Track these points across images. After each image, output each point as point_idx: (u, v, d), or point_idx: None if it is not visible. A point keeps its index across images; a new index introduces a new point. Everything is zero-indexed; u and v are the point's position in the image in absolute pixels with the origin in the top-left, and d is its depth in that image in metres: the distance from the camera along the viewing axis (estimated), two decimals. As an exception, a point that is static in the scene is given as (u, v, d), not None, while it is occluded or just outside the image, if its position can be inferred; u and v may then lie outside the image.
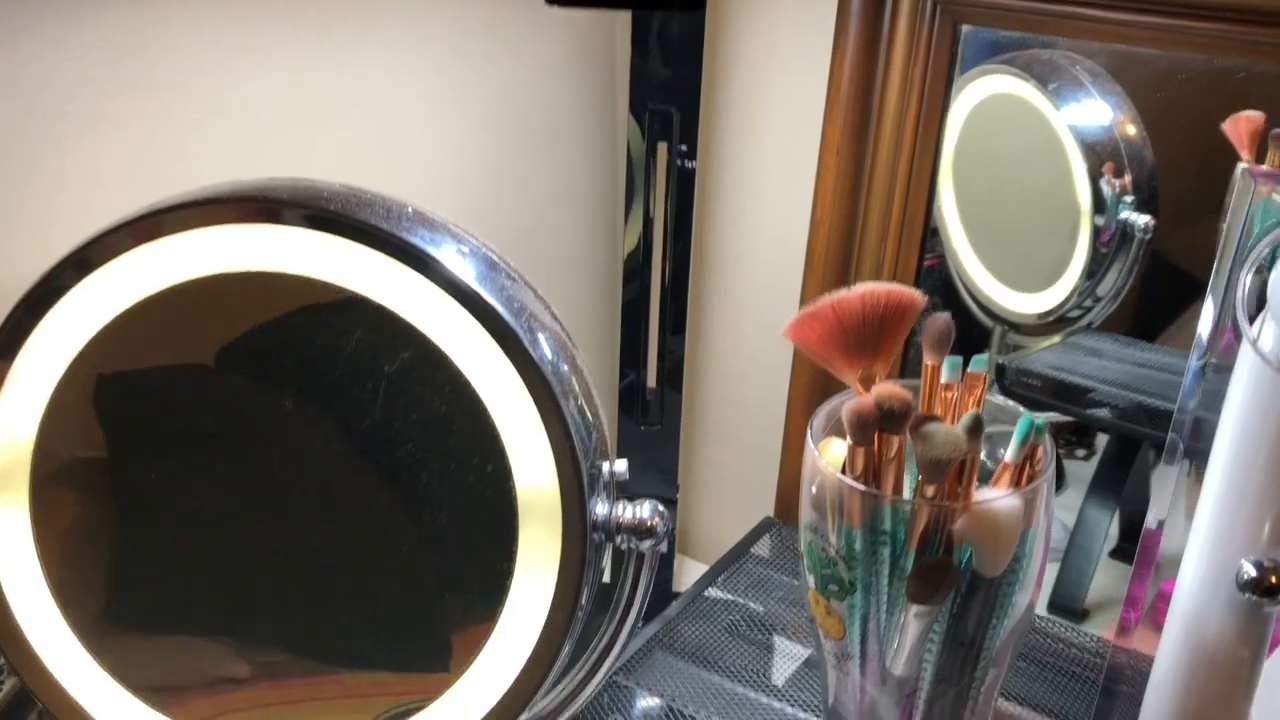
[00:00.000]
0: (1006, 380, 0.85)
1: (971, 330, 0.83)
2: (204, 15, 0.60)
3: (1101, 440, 0.82)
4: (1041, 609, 0.75)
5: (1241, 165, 0.54)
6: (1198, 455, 0.45)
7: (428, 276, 0.45)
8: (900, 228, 0.79)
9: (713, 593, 0.68)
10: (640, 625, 0.69)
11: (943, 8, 0.74)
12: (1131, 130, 0.75)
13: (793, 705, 0.58)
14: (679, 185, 0.74)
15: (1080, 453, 0.83)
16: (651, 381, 0.80)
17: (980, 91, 0.80)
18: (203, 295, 0.45)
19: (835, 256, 0.80)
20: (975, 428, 0.39)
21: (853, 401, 0.40)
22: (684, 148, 0.74)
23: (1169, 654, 0.44)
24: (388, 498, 0.47)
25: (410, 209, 0.47)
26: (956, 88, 0.80)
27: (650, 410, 0.81)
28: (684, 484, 0.87)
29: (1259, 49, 0.65)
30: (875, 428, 0.40)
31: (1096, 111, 0.76)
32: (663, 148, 0.74)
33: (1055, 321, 0.81)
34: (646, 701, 0.59)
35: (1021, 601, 0.44)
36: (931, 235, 0.83)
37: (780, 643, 0.64)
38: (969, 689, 0.45)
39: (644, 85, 0.72)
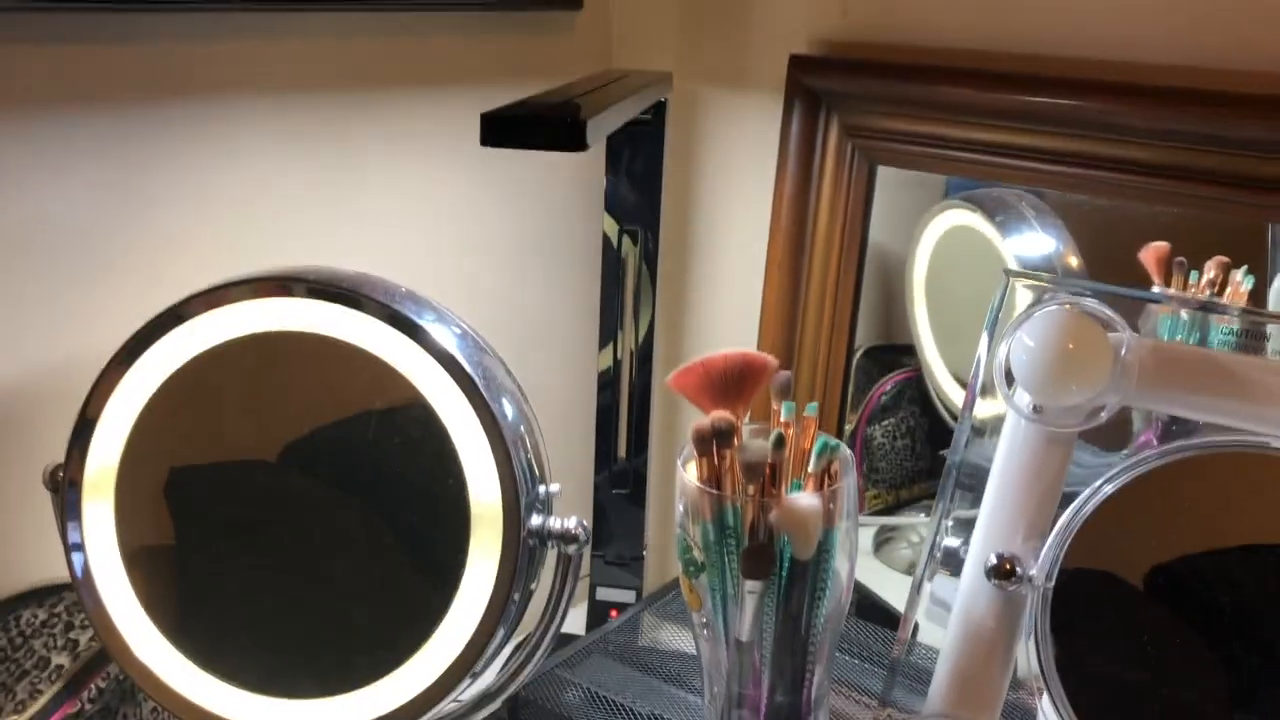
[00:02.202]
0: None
1: (944, 433, 0.96)
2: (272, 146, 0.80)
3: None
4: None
5: (1004, 268, 0.69)
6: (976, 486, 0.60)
7: (413, 339, 0.62)
8: (831, 328, 0.94)
9: (649, 615, 0.82)
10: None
11: (860, 152, 0.90)
12: (1073, 261, 0.86)
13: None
14: (647, 298, 0.92)
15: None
16: (622, 452, 0.96)
17: (945, 223, 0.94)
18: (249, 350, 0.63)
19: (780, 354, 0.95)
20: (779, 442, 0.55)
21: (695, 423, 0.56)
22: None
23: (952, 630, 0.58)
24: (375, 504, 0.63)
25: (403, 289, 0.64)
26: (925, 219, 0.95)
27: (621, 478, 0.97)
28: (653, 543, 1.02)
29: (1130, 192, 0.76)
30: (711, 441, 0.56)
31: (1039, 242, 0.86)
32: (632, 255, 0.92)
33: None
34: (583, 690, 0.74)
35: (839, 586, 0.58)
36: (909, 352, 0.97)
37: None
38: (804, 661, 0.59)
39: (616, 205, 0.90)
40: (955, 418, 0.92)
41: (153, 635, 0.65)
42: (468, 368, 0.62)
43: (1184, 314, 0.70)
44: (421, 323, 0.62)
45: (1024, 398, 0.57)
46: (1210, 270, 0.76)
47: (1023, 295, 0.64)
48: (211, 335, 0.63)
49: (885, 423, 0.96)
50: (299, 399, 0.64)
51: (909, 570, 0.94)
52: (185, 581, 0.65)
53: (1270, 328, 0.62)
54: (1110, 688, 0.55)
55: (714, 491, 0.56)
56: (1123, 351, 0.55)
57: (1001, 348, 0.58)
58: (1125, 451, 0.68)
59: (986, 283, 0.92)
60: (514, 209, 0.99)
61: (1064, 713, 0.54)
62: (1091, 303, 0.57)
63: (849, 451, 0.58)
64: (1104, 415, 0.56)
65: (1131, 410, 0.61)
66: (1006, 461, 0.58)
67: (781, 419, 0.59)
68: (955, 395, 0.94)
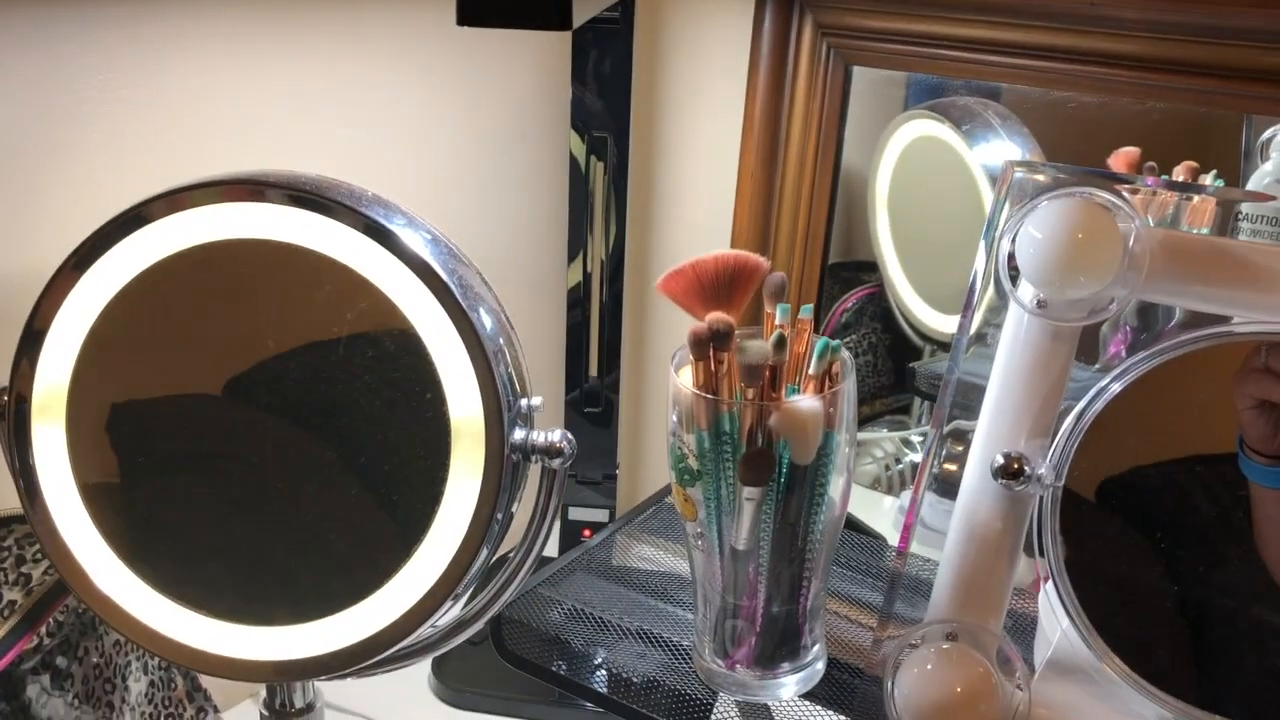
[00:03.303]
0: (916, 381, 0.97)
1: (906, 349, 0.96)
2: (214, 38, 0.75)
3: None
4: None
5: (1005, 159, 0.67)
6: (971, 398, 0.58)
7: (385, 245, 0.59)
8: (805, 240, 0.92)
9: (622, 535, 0.80)
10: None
11: (835, 51, 0.87)
12: None
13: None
14: (616, 209, 0.88)
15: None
16: (593, 370, 0.94)
17: (908, 135, 0.92)
18: (208, 258, 0.59)
19: (753, 265, 0.93)
20: (780, 343, 0.53)
21: (692, 326, 0.53)
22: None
23: (954, 535, 0.57)
24: (350, 419, 0.60)
25: (370, 193, 0.60)
26: (888, 130, 0.92)
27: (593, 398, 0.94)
28: (625, 462, 1.00)
29: (1119, 87, 0.75)
30: (709, 344, 0.53)
31: (1006, 150, 0.85)
32: (600, 170, 0.88)
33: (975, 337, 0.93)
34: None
35: (836, 494, 0.56)
36: (870, 268, 0.96)
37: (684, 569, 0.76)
38: (801, 570, 0.58)
39: (583, 112, 0.86)
40: (919, 333, 0.92)
41: (113, 564, 0.61)
42: (443, 275, 0.58)
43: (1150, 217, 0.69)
44: (392, 227, 0.59)
45: (1028, 292, 0.55)
46: (1180, 175, 0.75)
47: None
48: (172, 241, 0.58)
49: (847, 339, 0.95)
50: (265, 313, 0.60)
51: (874, 485, 0.94)
52: (147, 509, 0.62)
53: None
54: (1119, 589, 0.54)
55: (711, 397, 0.54)
56: (1131, 242, 0.53)
57: (1004, 241, 0.55)
58: (1096, 366, 0.68)
59: (953, 195, 0.91)
60: (475, 115, 0.94)
61: (1074, 614, 0.53)
62: (1101, 192, 0.54)
63: (849, 353, 0.55)
64: (1111, 308, 0.54)
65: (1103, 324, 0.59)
66: (1009, 360, 0.56)
67: (776, 321, 0.57)
68: (919, 311, 0.93)
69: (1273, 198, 0.67)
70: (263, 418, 0.60)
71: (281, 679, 0.61)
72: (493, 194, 0.97)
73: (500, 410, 0.59)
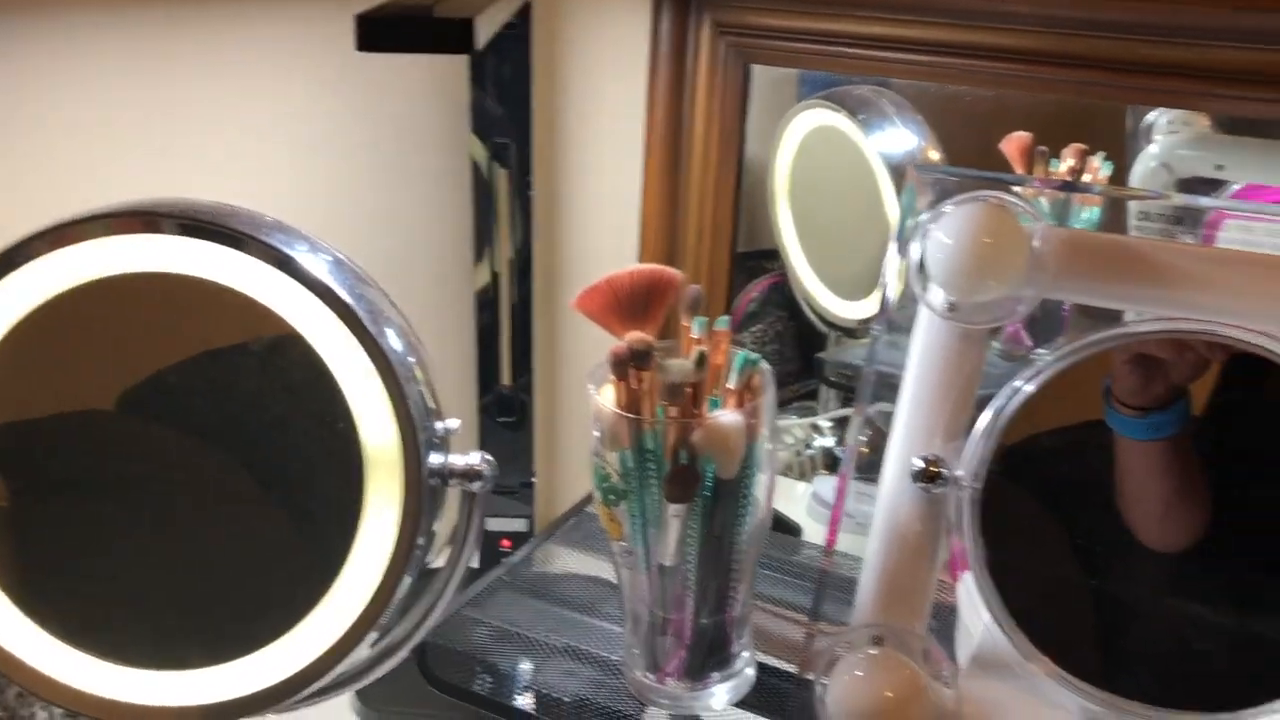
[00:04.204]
0: (825, 371, 0.98)
1: (812, 336, 0.96)
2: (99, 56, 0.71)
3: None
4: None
5: (910, 165, 0.68)
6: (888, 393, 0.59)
7: (285, 272, 0.57)
8: (713, 234, 0.91)
9: (553, 544, 0.80)
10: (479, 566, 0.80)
11: (734, 50, 0.87)
12: (934, 155, 0.86)
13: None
14: (521, 213, 0.87)
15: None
16: (505, 379, 0.93)
17: (805, 124, 0.92)
18: (100, 292, 0.56)
19: (663, 264, 0.93)
20: (701, 361, 0.52)
21: (612, 346, 0.53)
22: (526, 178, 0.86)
23: (875, 538, 0.57)
24: (261, 451, 0.58)
25: (269, 218, 0.58)
26: (785, 121, 0.93)
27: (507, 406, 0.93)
28: (542, 468, 0.99)
29: (1011, 81, 0.76)
30: (629, 364, 0.53)
31: (901, 138, 0.86)
32: (504, 176, 0.87)
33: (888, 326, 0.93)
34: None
35: (760, 501, 0.56)
36: (773, 256, 0.96)
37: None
38: (728, 581, 0.58)
39: (484, 119, 0.85)
40: (823, 320, 0.93)
41: (5, 608, 0.59)
42: (348, 300, 0.57)
43: (1045, 201, 0.70)
44: (293, 253, 0.57)
45: (939, 296, 0.56)
46: (1069, 158, 0.77)
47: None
48: (58, 279, 0.56)
49: (754, 329, 0.96)
50: (163, 348, 0.58)
51: (785, 472, 0.94)
52: (44, 549, 0.59)
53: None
54: (1040, 584, 0.56)
55: (633, 416, 0.53)
56: (1035, 242, 0.54)
57: (914, 246, 0.56)
58: (997, 346, 0.69)
59: (851, 183, 0.92)
60: (373, 127, 0.92)
61: (997, 612, 0.54)
62: (1005, 194, 0.55)
63: (768, 365, 0.55)
64: (1020, 310, 0.55)
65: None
66: (922, 363, 0.57)
67: (693, 334, 0.56)
68: (822, 298, 0.93)
69: (1155, 195, 0.70)
70: (170, 449, 0.58)
71: (201, 725, 0.59)
72: (396, 205, 0.95)
73: (415, 436, 0.57)
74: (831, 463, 0.94)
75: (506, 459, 0.93)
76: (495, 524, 0.94)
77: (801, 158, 0.91)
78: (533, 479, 0.94)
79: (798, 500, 0.93)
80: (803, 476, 0.95)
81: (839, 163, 0.90)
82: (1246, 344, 0.52)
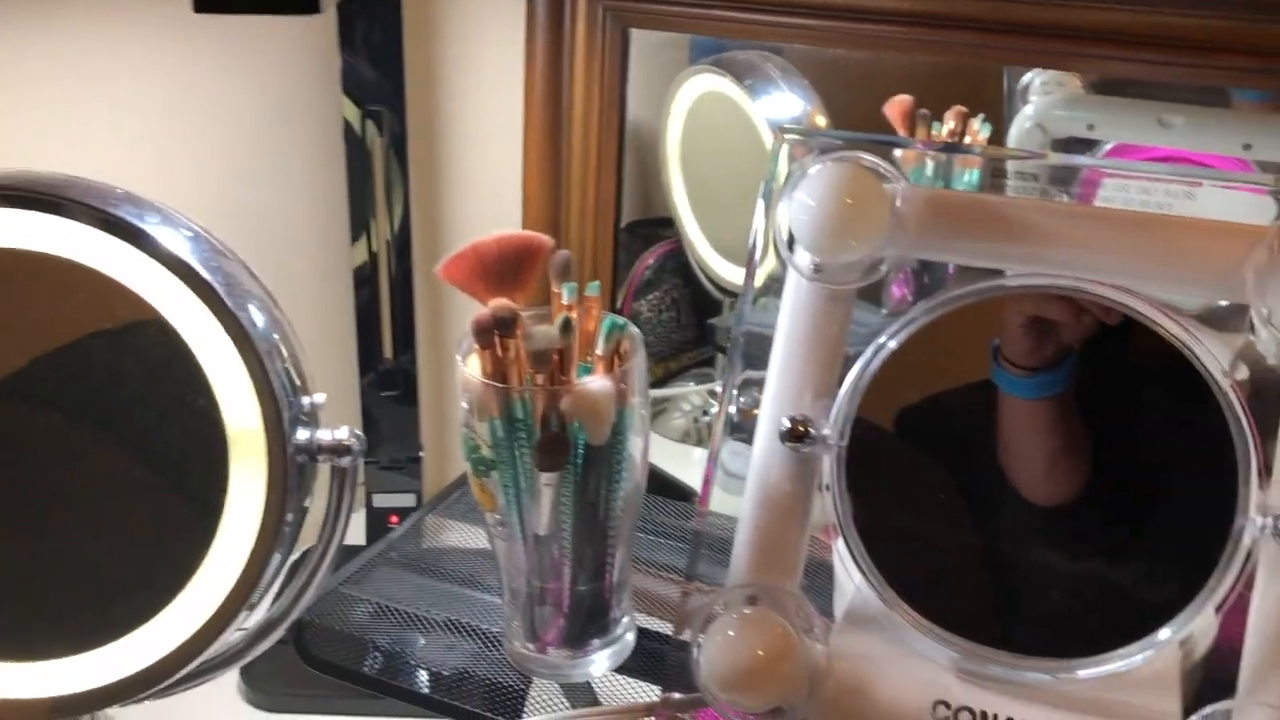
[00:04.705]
0: (716, 337, 0.98)
1: (707, 302, 0.96)
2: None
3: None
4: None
5: (776, 129, 0.68)
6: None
7: (138, 246, 0.55)
8: (596, 205, 0.91)
9: (432, 518, 0.79)
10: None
11: (612, 15, 0.86)
12: (820, 120, 0.87)
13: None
14: (401, 185, 0.86)
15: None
16: (388, 353, 0.91)
17: (694, 91, 0.92)
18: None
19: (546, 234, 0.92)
20: (566, 327, 0.52)
21: (475, 315, 0.52)
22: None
23: (748, 499, 0.58)
24: (119, 431, 0.56)
25: (120, 190, 0.56)
26: (674, 87, 0.92)
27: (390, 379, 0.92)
28: (431, 443, 0.98)
29: (891, 43, 0.76)
30: (493, 332, 0.52)
31: (787, 103, 0.87)
32: (380, 145, 0.85)
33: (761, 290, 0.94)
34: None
35: (635, 466, 0.56)
36: (668, 224, 0.96)
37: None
38: (604, 547, 0.58)
39: (356, 85, 0.83)
40: (717, 286, 0.94)
41: None
42: (204, 273, 0.55)
43: (929, 163, 0.71)
44: (145, 227, 0.55)
45: (804, 258, 0.56)
46: (950, 120, 0.78)
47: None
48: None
49: (650, 297, 0.96)
50: (13, 328, 0.55)
51: (684, 439, 0.95)
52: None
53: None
54: (908, 540, 0.56)
55: (500, 385, 0.53)
56: (897, 202, 0.55)
57: (780, 209, 0.56)
58: (884, 311, 0.70)
59: (739, 148, 0.92)
60: (237, 93, 0.89)
61: (865, 568, 0.55)
62: (866, 155, 0.55)
63: (636, 329, 0.55)
64: (884, 269, 0.56)
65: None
66: (790, 324, 0.57)
67: (564, 301, 0.56)
68: (716, 264, 0.93)
69: (1032, 155, 0.71)
70: (25, 432, 0.56)
71: (61, 717, 0.57)
72: (267, 176, 0.92)
73: (279, 412, 0.56)
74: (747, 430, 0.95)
75: (394, 435, 0.92)
76: (383, 500, 0.92)
77: (691, 124, 0.91)
78: (420, 454, 0.93)
79: (695, 465, 0.93)
80: (700, 442, 0.95)
81: (728, 129, 0.90)
82: (1107, 300, 0.53)
